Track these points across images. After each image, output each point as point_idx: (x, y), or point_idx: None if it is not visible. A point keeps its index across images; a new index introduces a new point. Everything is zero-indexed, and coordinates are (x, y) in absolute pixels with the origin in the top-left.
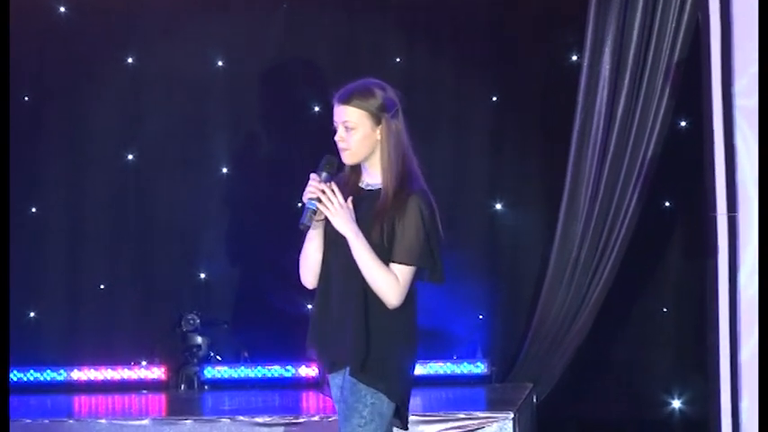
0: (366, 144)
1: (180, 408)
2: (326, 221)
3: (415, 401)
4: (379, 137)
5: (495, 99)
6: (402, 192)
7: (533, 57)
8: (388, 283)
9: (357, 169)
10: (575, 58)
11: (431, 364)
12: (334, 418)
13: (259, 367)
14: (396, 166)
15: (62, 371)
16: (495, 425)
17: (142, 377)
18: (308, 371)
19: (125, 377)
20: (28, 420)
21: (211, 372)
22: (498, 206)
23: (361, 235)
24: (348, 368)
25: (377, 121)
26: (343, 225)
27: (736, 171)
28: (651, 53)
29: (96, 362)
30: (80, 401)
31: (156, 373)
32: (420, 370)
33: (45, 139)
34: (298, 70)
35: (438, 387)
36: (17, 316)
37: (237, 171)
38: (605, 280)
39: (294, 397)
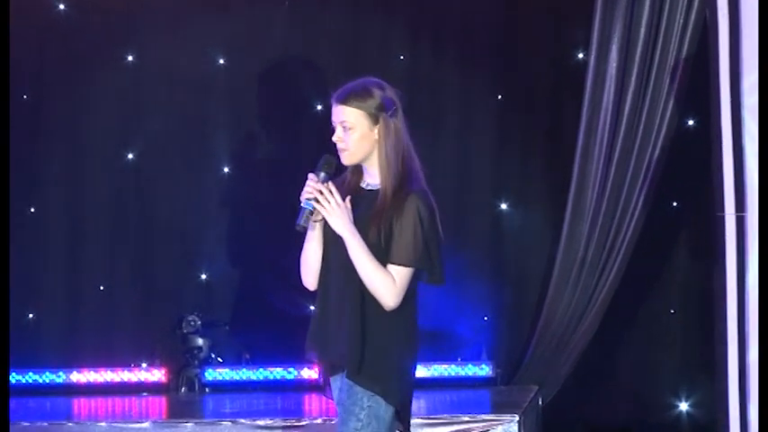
0: (364, 144)
1: (180, 410)
2: (326, 222)
3: (419, 404)
4: (377, 136)
5: (500, 98)
6: (400, 191)
7: (539, 54)
8: (385, 284)
9: (359, 170)
10: (581, 55)
11: (435, 366)
12: (336, 420)
13: (261, 369)
14: (394, 165)
15: (61, 373)
16: (500, 428)
17: (142, 379)
18: (311, 373)
19: (125, 379)
20: (26, 423)
21: (212, 374)
22: (503, 206)
23: (357, 235)
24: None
25: (375, 120)
26: (340, 225)
27: (744, 170)
28: (658, 51)
29: (96, 364)
30: (79, 404)
31: (157, 375)
32: (424, 372)
33: (44, 138)
34: (300, 69)
35: (442, 389)
36: (16, 317)
37: (239, 170)
38: (612, 281)
39: (296, 399)
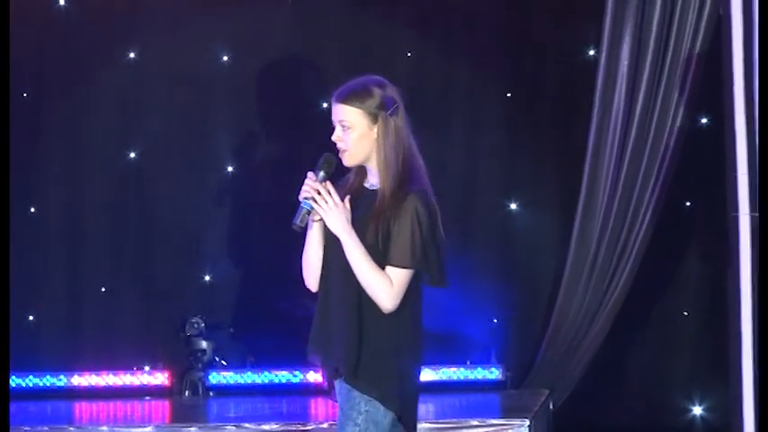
0: (364, 144)
1: (184, 414)
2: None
3: (427, 408)
4: (376, 135)
5: (509, 96)
6: (400, 192)
7: (549, 52)
8: (382, 286)
9: (362, 170)
10: (592, 52)
11: (443, 370)
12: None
13: (266, 372)
14: (394, 165)
15: (62, 376)
16: None
17: (145, 383)
18: (317, 376)
19: (127, 383)
20: (27, 428)
21: (216, 377)
22: (513, 206)
23: (354, 236)
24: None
25: (374, 119)
26: (337, 225)
27: (758, 169)
28: (670, 49)
29: (98, 367)
30: (81, 408)
31: (160, 378)
32: (432, 375)
33: (44, 137)
34: (304, 66)
35: (451, 393)
36: (16, 319)
37: (242, 170)
38: (624, 282)
39: (302, 403)
